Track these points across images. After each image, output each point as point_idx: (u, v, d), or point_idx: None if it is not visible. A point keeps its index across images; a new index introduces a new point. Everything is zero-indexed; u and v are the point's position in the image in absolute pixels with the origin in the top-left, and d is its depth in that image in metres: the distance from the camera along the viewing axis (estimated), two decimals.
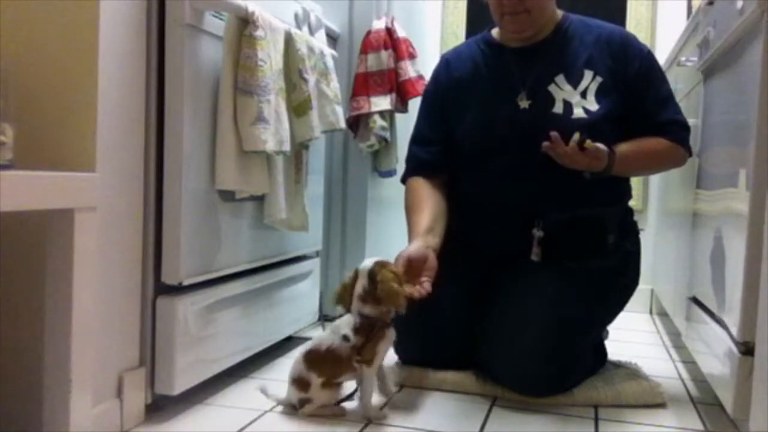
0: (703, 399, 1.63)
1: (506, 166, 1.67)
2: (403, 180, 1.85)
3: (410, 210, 1.74)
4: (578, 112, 1.63)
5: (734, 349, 1.22)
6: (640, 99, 1.67)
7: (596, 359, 1.76)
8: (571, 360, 1.62)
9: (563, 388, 1.59)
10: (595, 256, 1.66)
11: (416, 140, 1.86)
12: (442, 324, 1.67)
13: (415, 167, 1.82)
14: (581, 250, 1.65)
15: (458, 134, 1.76)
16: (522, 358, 1.56)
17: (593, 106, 1.64)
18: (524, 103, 1.68)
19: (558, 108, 1.65)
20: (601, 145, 1.55)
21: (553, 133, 1.52)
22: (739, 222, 1.26)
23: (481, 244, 1.75)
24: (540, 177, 1.64)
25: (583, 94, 1.65)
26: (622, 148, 1.61)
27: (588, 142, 1.52)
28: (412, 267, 1.52)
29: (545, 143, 1.53)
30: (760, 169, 1.19)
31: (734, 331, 1.24)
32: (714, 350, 1.40)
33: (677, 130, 1.68)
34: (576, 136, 1.52)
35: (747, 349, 1.19)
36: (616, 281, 1.71)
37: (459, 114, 1.77)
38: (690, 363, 1.90)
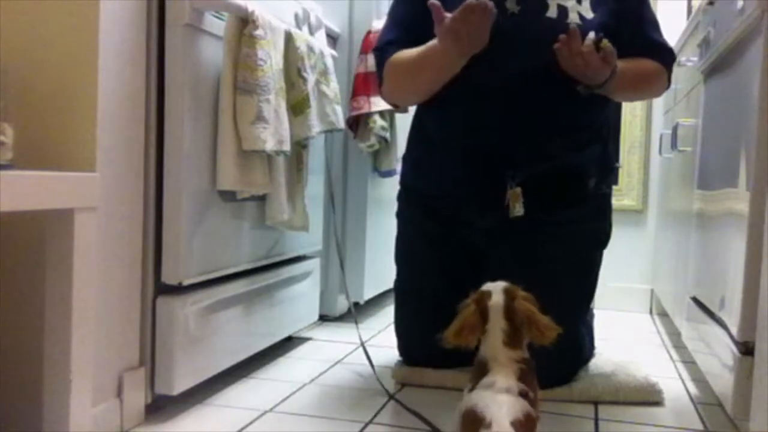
0: (703, 399, 1.63)
1: (487, 83, 1.50)
2: (380, 73, 1.66)
3: (412, 55, 1.55)
4: (573, 17, 1.51)
5: (734, 349, 1.22)
6: (634, 14, 1.60)
7: (590, 339, 1.80)
8: (576, 347, 1.64)
9: (572, 372, 1.61)
10: (575, 205, 1.59)
11: (380, 46, 1.66)
12: (439, 320, 1.67)
13: (386, 54, 1.62)
14: (560, 201, 1.58)
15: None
16: None
17: (589, 14, 1.53)
18: (514, 8, 1.52)
19: (552, 12, 1.51)
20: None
21: (572, 25, 1.42)
22: (739, 222, 1.26)
23: (452, 201, 1.64)
24: (527, 94, 1.49)
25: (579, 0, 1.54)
26: (620, 63, 1.50)
27: (605, 41, 1.41)
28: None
29: (561, 36, 1.41)
30: (760, 169, 1.19)
31: (734, 331, 1.24)
32: (714, 350, 1.40)
33: (667, 56, 1.64)
34: (591, 34, 1.42)
35: (747, 349, 1.19)
36: (600, 231, 1.67)
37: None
38: (690, 363, 1.90)
